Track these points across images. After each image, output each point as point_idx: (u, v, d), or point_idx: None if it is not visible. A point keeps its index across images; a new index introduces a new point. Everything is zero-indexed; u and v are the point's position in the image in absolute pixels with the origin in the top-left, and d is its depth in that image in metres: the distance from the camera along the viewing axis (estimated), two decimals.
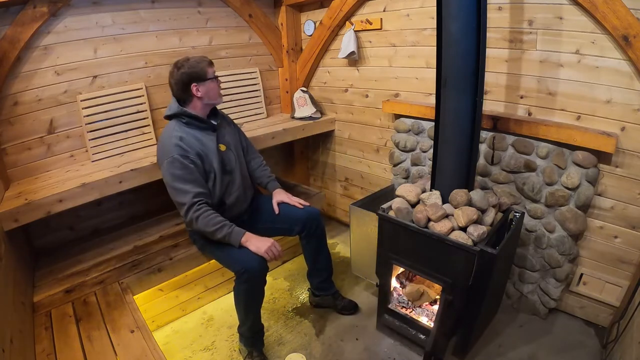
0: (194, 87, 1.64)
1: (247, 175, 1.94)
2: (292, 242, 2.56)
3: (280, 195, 1.94)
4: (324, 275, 2.05)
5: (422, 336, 1.76)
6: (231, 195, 1.80)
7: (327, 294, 2.09)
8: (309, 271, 2.07)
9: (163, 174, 1.63)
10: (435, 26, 1.50)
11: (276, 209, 1.91)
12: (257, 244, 1.60)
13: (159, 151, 1.68)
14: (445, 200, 1.61)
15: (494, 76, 1.91)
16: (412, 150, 2.32)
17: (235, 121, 2.74)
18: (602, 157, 1.66)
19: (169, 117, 1.71)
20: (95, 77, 2.12)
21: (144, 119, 2.28)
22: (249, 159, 2.01)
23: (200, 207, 1.59)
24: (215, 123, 1.76)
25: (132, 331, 1.56)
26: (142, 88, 2.26)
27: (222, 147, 1.78)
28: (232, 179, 1.80)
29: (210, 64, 1.69)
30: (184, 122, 1.68)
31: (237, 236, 1.61)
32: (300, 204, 1.91)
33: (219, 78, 1.73)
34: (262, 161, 2.05)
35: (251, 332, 1.76)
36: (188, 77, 1.63)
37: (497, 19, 1.83)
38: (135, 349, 1.46)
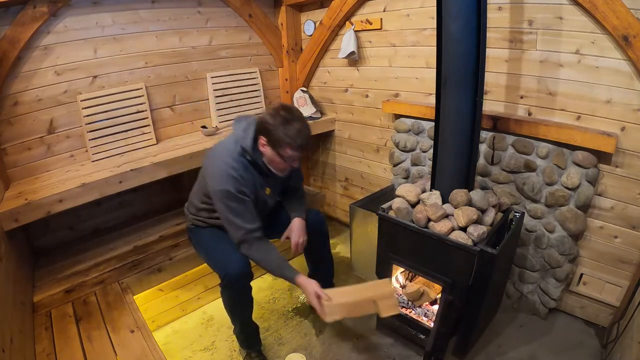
0: (261, 139, 1.50)
1: None
2: None
3: (292, 231, 1.78)
4: (325, 280, 2.03)
5: (422, 336, 1.76)
6: None
7: None
8: (310, 275, 2.06)
9: (215, 199, 1.53)
10: (435, 26, 1.50)
11: (283, 238, 1.81)
12: (305, 293, 1.56)
13: (212, 169, 1.54)
14: (445, 200, 1.61)
15: (494, 76, 1.91)
16: (412, 150, 2.32)
17: None
18: (602, 157, 1.66)
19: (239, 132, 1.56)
20: (95, 77, 2.12)
21: (144, 119, 2.27)
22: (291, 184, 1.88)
23: (252, 245, 1.55)
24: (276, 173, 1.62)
25: (132, 331, 1.56)
26: (142, 88, 2.26)
27: (267, 191, 1.70)
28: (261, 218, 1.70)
29: (297, 149, 1.48)
30: (247, 159, 1.55)
31: (291, 281, 1.57)
32: (296, 247, 1.76)
33: (293, 163, 1.57)
34: (301, 192, 1.93)
35: (243, 334, 1.75)
36: (267, 130, 1.47)
37: (497, 19, 1.82)
38: (135, 349, 1.46)
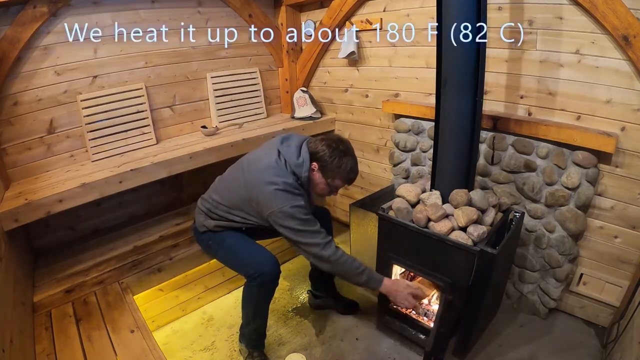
0: (314, 165, 1.56)
1: None
2: None
3: None
4: (326, 278, 2.04)
5: (422, 336, 1.76)
6: None
7: (328, 296, 2.08)
8: (312, 272, 2.06)
9: (283, 219, 1.48)
10: (435, 26, 1.50)
11: None
12: (397, 299, 1.61)
13: (271, 191, 1.48)
14: (445, 200, 1.61)
15: (494, 76, 1.91)
16: (412, 150, 2.32)
17: (235, 121, 2.73)
18: (602, 157, 1.66)
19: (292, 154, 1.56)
20: (95, 77, 2.12)
21: (144, 119, 2.28)
22: None
23: (336, 250, 1.54)
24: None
25: (132, 331, 1.56)
26: (142, 88, 2.26)
27: None
28: None
29: (347, 181, 1.62)
30: (298, 183, 1.56)
31: (377, 284, 1.60)
32: None
33: (334, 192, 1.68)
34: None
35: (257, 333, 1.75)
36: (323, 160, 1.54)
37: (497, 19, 1.83)
38: (135, 349, 1.46)
